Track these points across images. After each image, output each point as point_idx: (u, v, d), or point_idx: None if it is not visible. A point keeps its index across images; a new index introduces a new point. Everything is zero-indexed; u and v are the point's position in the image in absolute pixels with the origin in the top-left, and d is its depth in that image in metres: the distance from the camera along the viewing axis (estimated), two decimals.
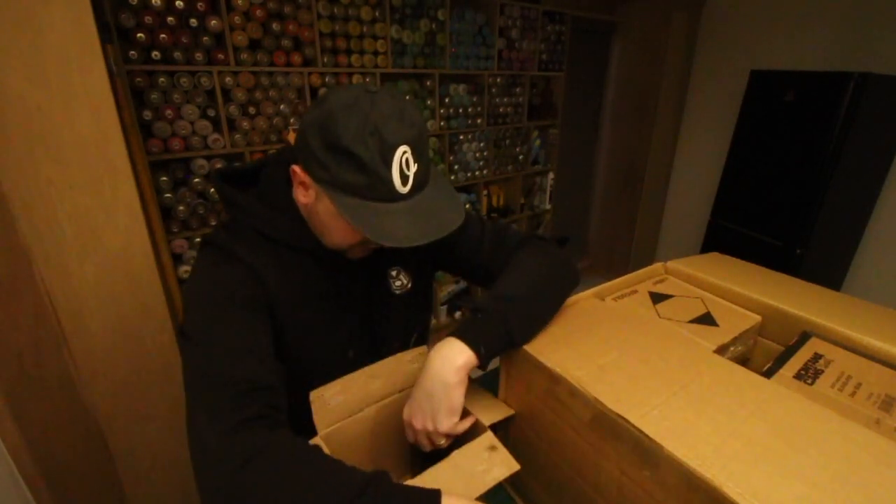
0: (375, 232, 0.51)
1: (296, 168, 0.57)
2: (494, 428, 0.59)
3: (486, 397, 0.64)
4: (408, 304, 0.75)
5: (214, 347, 0.52)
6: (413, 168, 0.53)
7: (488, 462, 0.51)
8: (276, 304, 0.60)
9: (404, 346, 0.73)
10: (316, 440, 0.55)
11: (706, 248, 2.45)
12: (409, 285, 0.75)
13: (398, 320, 0.75)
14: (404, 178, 0.53)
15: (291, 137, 0.62)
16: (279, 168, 0.63)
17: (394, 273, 0.74)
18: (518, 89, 2.49)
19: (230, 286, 0.57)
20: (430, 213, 0.55)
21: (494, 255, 0.73)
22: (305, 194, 0.59)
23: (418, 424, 0.57)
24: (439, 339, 0.59)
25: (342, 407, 0.60)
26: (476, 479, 0.49)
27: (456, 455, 0.52)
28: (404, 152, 0.52)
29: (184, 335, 0.54)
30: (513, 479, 0.69)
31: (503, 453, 0.53)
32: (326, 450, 0.52)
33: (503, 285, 0.65)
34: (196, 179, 1.57)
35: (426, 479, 0.49)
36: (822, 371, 0.59)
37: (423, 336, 0.82)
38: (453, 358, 0.56)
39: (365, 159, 0.51)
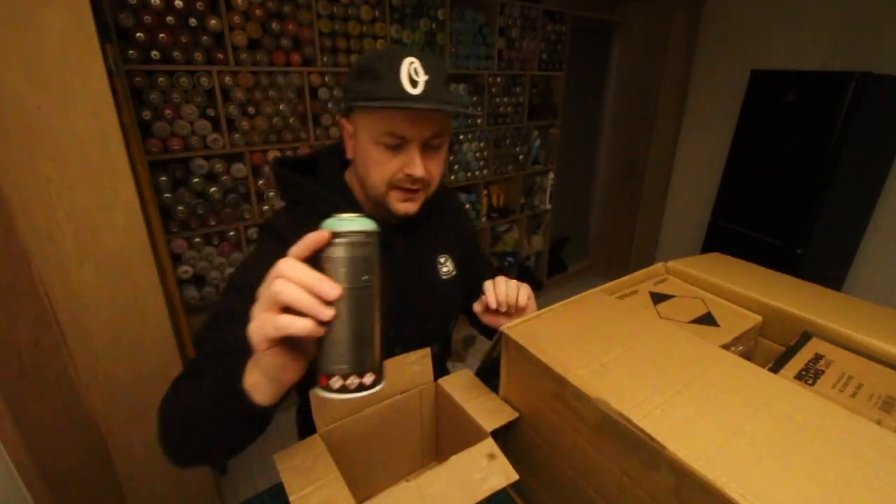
0: (389, 104, 0.58)
1: (343, 120, 0.67)
2: (496, 430, 0.59)
3: (489, 399, 0.64)
4: (452, 289, 0.81)
5: (215, 321, 0.60)
6: (423, 76, 0.59)
7: (486, 470, 0.51)
8: None
9: (443, 329, 0.82)
10: (315, 438, 0.55)
11: (706, 248, 2.44)
12: (454, 272, 0.81)
13: (441, 304, 0.80)
14: (413, 83, 0.59)
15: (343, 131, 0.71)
16: (333, 156, 0.73)
17: (442, 260, 0.80)
18: (518, 89, 2.49)
19: (255, 273, 0.60)
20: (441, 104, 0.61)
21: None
22: (350, 146, 0.67)
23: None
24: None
25: (343, 405, 0.60)
26: (472, 488, 0.49)
27: (454, 460, 0.51)
28: (411, 62, 0.59)
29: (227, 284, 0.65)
30: None
31: (502, 462, 0.52)
32: (326, 452, 0.53)
33: None
34: (195, 179, 1.57)
35: (422, 482, 0.48)
36: (823, 371, 0.58)
37: (456, 322, 0.87)
38: None
39: (376, 68, 0.59)
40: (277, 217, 0.70)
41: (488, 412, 0.60)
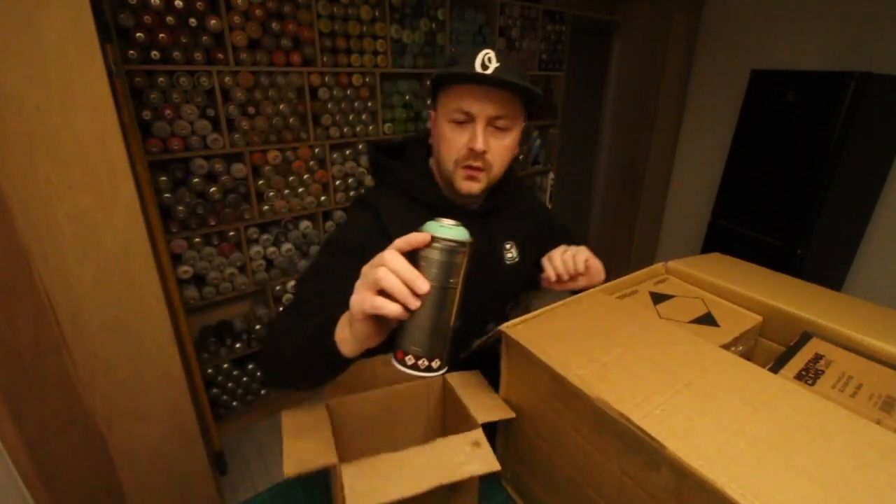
0: (456, 76, 0.67)
1: (430, 112, 0.75)
2: (492, 426, 0.59)
3: (490, 396, 0.64)
4: (513, 275, 0.86)
5: (313, 272, 0.71)
6: (494, 64, 0.65)
7: (469, 455, 0.51)
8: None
9: (500, 310, 0.86)
10: (320, 405, 0.61)
11: (707, 248, 2.44)
12: (518, 259, 0.86)
13: (502, 288, 0.85)
14: (484, 67, 0.65)
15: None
16: (419, 143, 0.81)
17: (507, 246, 0.85)
18: None
19: (349, 237, 0.73)
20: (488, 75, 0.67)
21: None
22: (433, 134, 0.74)
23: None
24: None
25: (352, 381, 0.65)
26: (450, 468, 0.49)
27: (440, 442, 0.52)
28: (486, 53, 0.66)
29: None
30: (513, 479, 0.69)
31: (486, 450, 0.52)
32: (328, 418, 0.58)
33: None
34: (195, 179, 1.57)
35: (404, 456, 0.50)
36: (823, 371, 0.58)
37: (514, 305, 0.90)
38: None
39: (459, 55, 0.68)
40: (368, 192, 0.79)
41: (485, 407, 0.61)
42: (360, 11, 1.78)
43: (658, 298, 0.79)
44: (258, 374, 1.93)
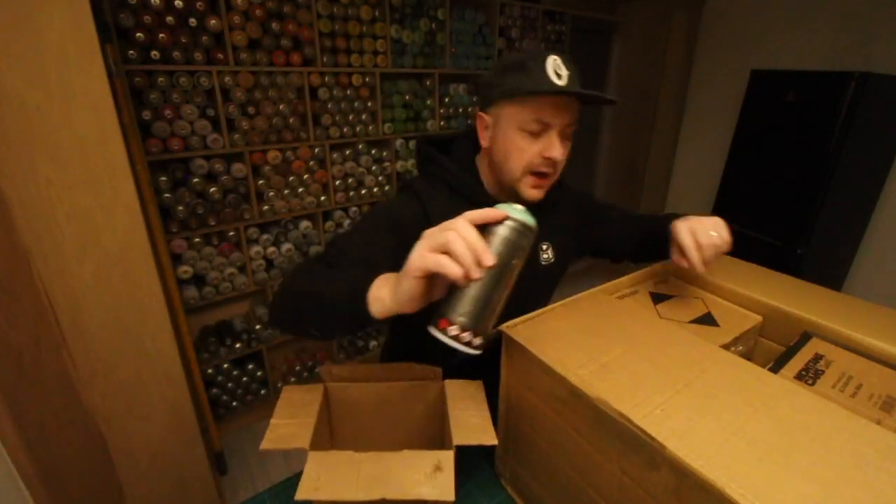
0: (538, 91, 0.66)
1: (480, 113, 0.75)
2: (494, 414, 0.59)
3: (479, 415, 0.59)
4: (547, 276, 0.87)
5: (349, 233, 0.72)
6: (565, 71, 0.67)
7: (426, 478, 0.49)
8: None
9: (532, 308, 0.87)
10: (319, 386, 0.63)
11: None
12: (553, 260, 0.87)
13: (534, 289, 0.86)
14: (558, 76, 0.66)
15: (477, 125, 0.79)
16: (466, 140, 0.82)
17: (544, 247, 0.86)
18: None
19: (394, 212, 0.75)
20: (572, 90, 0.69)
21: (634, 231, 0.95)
22: (487, 136, 0.75)
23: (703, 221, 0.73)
24: None
25: (349, 373, 0.68)
26: (403, 486, 0.48)
27: (407, 454, 0.51)
28: (554, 59, 0.67)
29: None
30: (513, 479, 0.69)
31: (446, 476, 0.49)
32: (320, 402, 0.61)
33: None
34: (195, 179, 1.57)
35: (364, 458, 0.51)
36: (823, 372, 0.58)
37: (546, 303, 0.92)
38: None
39: (525, 62, 0.67)
40: (416, 183, 0.80)
41: (468, 428, 0.57)
42: (360, 11, 1.78)
43: (658, 298, 0.79)
44: (259, 373, 1.93)
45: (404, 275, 0.46)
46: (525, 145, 0.71)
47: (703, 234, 0.72)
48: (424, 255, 0.44)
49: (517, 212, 0.47)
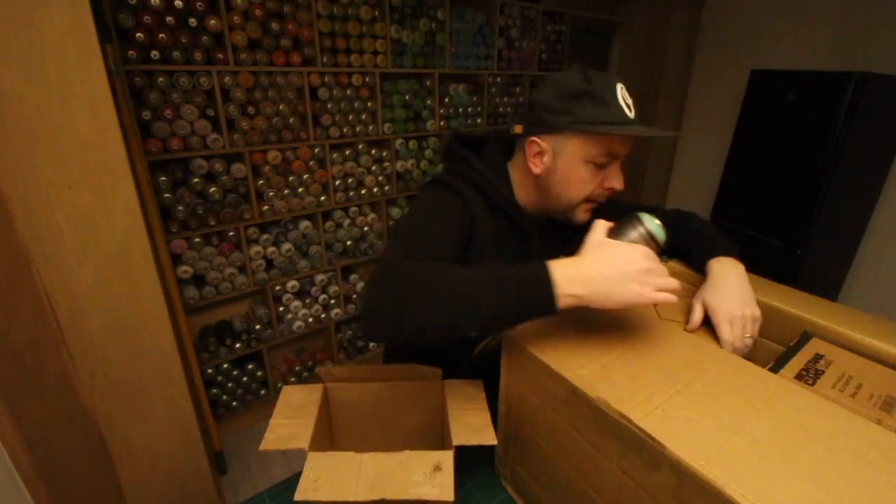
0: (616, 132, 0.66)
1: (535, 138, 0.71)
2: (494, 413, 0.59)
3: (479, 415, 0.60)
4: None
5: (422, 229, 0.68)
6: (630, 100, 0.68)
7: (427, 477, 0.49)
8: (474, 239, 0.73)
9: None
10: (318, 386, 0.63)
11: None
12: None
13: None
14: (628, 106, 0.67)
15: (517, 129, 0.77)
16: (499, 143, 0.82)
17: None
18: (518, 89, 2.49)
19: (448, 204, 0.73)
20: (652, 129, 0.73)
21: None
22: (540, 162, 0.73)
23: (738, 311, 0.66)
24: None
25: (349, 374, 0.68)
26: (403, 486, 0.48)
27: (407, 455, 0.51)
28: (621, 87, 0.67)
29: (398, 223, 0.74)
30: (513, 479, 0.69)
31: (445, 477, 0.50)
32: (319, 402, 0.61)
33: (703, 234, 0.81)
34: (195, 179, 1.57)
35: (366, 458, 0.51)
36: (823, 372, 0.58)
37: None
38: (741, 268, 0.72)
39: (598, 92, 0.66)
40: (449, 179, 0.77)
41: (468, 428, 0.57)
42: (360, 11, 1.78)
43: None
44: (259, 373, 1.93)
45: (622, 299, 0.53)
46: (590, 177, 0.71)
47: (739, 336, 0.65)
48: (648, 291, 0.52)
49: (661, 232, 0.59)
